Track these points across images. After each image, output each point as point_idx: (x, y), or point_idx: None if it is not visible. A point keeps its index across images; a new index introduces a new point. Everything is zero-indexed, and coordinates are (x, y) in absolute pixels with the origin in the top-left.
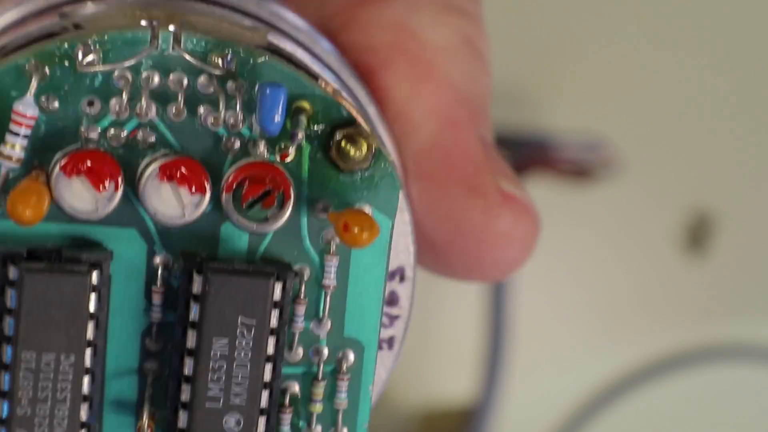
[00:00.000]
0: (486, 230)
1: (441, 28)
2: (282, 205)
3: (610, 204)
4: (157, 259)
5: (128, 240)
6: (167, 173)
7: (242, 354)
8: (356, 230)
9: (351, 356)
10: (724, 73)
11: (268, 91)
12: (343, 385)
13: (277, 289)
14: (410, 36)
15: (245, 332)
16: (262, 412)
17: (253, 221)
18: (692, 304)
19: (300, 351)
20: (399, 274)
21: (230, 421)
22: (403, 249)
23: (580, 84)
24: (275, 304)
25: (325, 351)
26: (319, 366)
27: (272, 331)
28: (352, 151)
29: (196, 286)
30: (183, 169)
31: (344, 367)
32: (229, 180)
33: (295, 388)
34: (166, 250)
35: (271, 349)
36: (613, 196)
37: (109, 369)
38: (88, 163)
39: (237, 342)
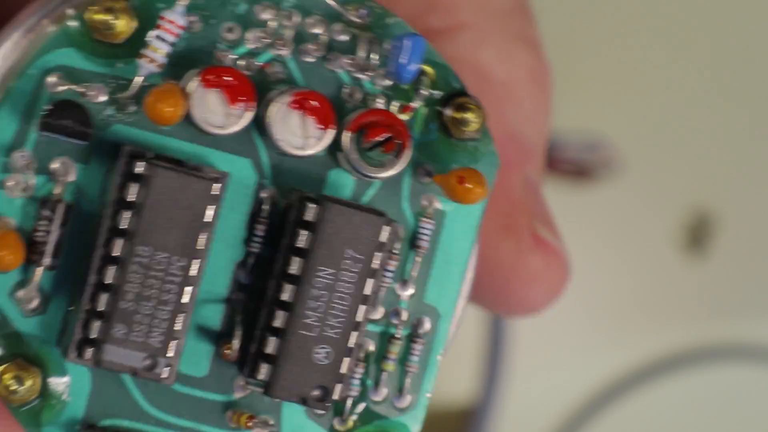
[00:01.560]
0: (514, 270)
1: (507, 64)
2: (398, 155)
3: (610, 204)
4: (266, 193)
5: (241, 168)
6: (299, 102)
7: (344, 288)
8: (470, 185)
9: (427, 323)
10: (724, 74)
11: (409, 40)
12: (417, 349)
13: (385, 231)
14: (475, 72)
15: (350, 266)
16: (349, 351)
17: (370, 164)
18: (692, 304)
19: (381, 310)
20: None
21: (320, 353)
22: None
23: (580, 84)
24: (381, 246)
25: (405, 314)
26: (398, 327)
27: (372, 273)
28: (471, 118)
29: (311, 214)
30: (314, 102)
31: (420, 332)
32: (355, 120)
33: (370, 345)
34: (275, 186)
35: (368, 290)
36: (613, 196)
37: (199, 293)
38: (228, 78)
39: (341, 274)
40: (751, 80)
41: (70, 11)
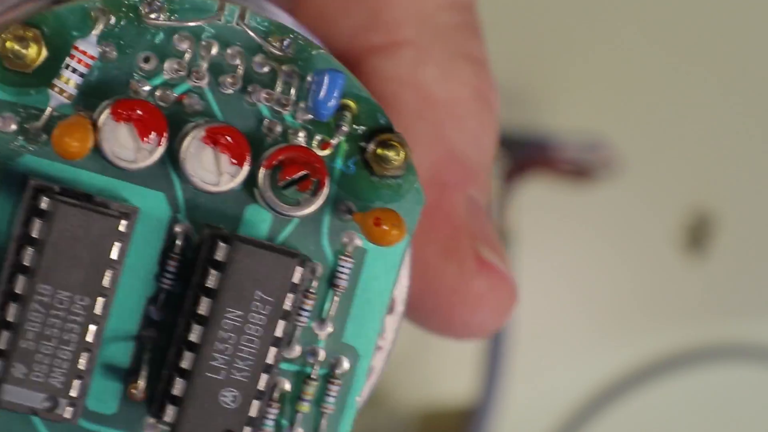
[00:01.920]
0: (458, 294)
1: (449, 83)
2: (315, 193)
3: (610, 204)
4: (180, 228)
5: (154, 203)
6: (212, 137)
7: (253, 330)
8: (387, 226)
9: (345, 363)
10: (723, 74)
11: (328, 75)
12: (333, 390)
13: (298, 272)
14: (415, 90)
15: (260, 308)
16: (258, 394)
17: (285, 202)
18: (692, 304)
19: (297, 349)
20: (389, 305)
21: (227, 396)
22: (399, 280)
23: (580, 84)
24: (294, 287)
25: (322, 353)
26: (314, 367)
27: (284, 315)
28: (392, 156)
29: (221, 254)
30: (228, 138)
31: (337, 373)
32: (270, 157)
33: (286, 385)
34: (189, 221)
35: (279, 332)
36: (613, 196)
37: (107, 330)
38: (139, 112)
39: (250, 316)
40: (751, 80)
41: None
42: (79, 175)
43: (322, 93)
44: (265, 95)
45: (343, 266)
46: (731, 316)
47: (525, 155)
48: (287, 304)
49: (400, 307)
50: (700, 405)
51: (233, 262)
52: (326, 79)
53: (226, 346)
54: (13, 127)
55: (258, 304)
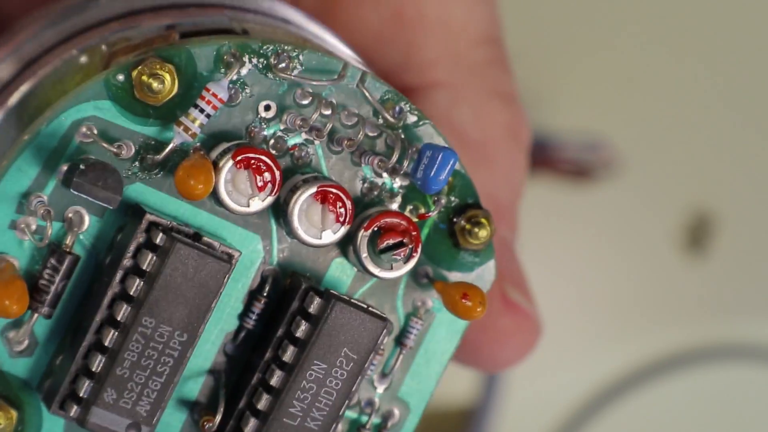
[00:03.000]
0: (484, 331)
1: (482, 123)
2: (407, 260)
3: (610, 204)
4: (268, 270)
5: (249, 245)
6: (323, 195)
7: (333, 383)
8: (471, 303)
9: (397, 416)
10: (724, 74)
11: (443, 154)
12: None
13: (384, 335)
14: (450, 131)
15: (344, 364)
16: None
17: (379, 265)
18: (692, 304)
19: (356, 397)
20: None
21: None
22: None
23: (581, 84)
24: (377, 348)
25: (377, 404)
26: (370, 416)
27: (363, 372)
28: (481, 233)
29: (314, 308)
30: (338, 197)
31: (389, 424)
32: (372, 221)
33: (340, 429)
34: (278, 265)
35: (355, 387)
36: (613, 196)
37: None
38: (261, 163)
39: (334, 370)
40: (751, 80)
41: (120, 60)
42: (183, 208)
43: (435, 170)
44: (373, 159)
45: (413, 327)
46: (731, 316)
47: None
48: (368, 363)
49: None
50: (700, 405)
51: (328, 318)
52: (440, 158)
53: (306, 395)
54: (131, 155)
55: (343, 360)
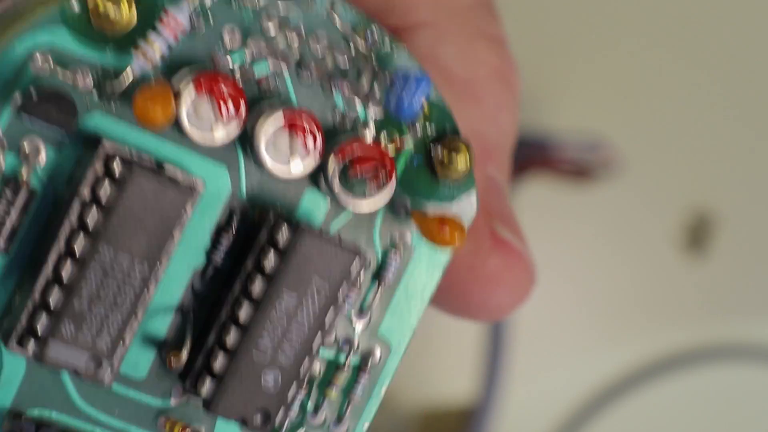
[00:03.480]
0: (472, 272)
1: (468, 62)
2: (381, 189)
3: (610, 204)
4: (237, 204)
5: (216, 176)
6: (291, 122)
7: (304, 314)
8: (450, 231)
9: (378, 355)
10: (723, 74)
11: (415, 79)
12: (363, 380)
13: (356, 267)
14: (433, 69)
15: (315, 295)
16: (299, 379)
17: (353, 194)
18: (692, 304)
19: (334, 335)
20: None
21: (269, 378)
22: None
23: (580, 84)
24: (348, 280)
25: (356, 343)
26: (348, 355)
27: (335, 304)
28: (461, 161)
29: (284, 237)
30: (306, 124)
31: (369, 364)
32: (344, 148)
33: (316, 369)
34: (248, 199)
35: (329, 320)
36: (613, 196)
37: (152, 298)
38: (223, 87)
39: (304, 301)
40: (750, 80)
41: None
42: (146, 139)
43: (408, 96)
44: (348, 86)
45: (391, 262)
46: (731, 316)
47: (525, 155)
48: (340, 295)
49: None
50: (700, 405)
51: (296, 248)
52: (413, 83)
53: (276, 328)
54: (89, 85)
55: (314, 291)
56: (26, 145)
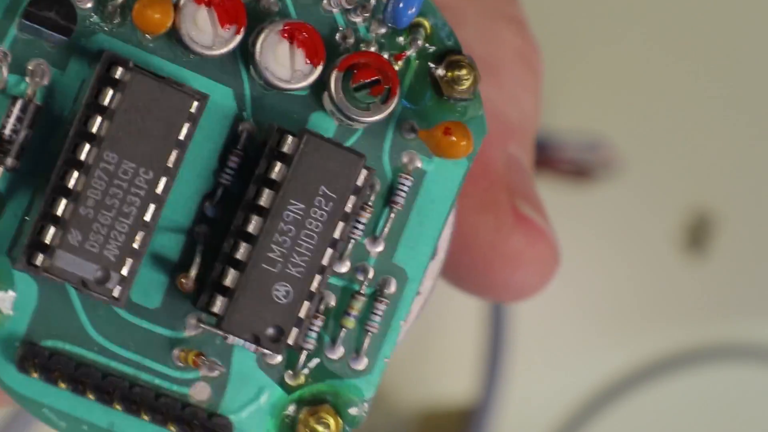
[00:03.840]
0: (494, 249)
1: (488, 42)
2: (386, 100)
3: (610, 204)
4: (244, 125)
5: (221, 96)
6: (289, 32)
7: (313, 225)
8: (455, 137)
9: (393, 285)
10: (723, 74)
11: None
12: (380, 309)
13: (363, 174)
14: None
15: (322, 204)
16: (310, 295)
17: (356, 106)
18: (692, 305)
19: (347, 264)
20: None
21: (280, 290)
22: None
23: (580, 84)
24: (356, 189)
25: (371, 271)
26: (362, 284)
27: (345, 216)
28: (464, 76)
29: (288, 146)
30: (305, 34)
31: (385, 293)
32: (345, 60)
33: (331, 300)
34: (255, 120)
35: (338, 234)
36: (613, 196)
37: (160, 219)
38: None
39: (312, 211)
40: (750, 80)
41: None
42: (150, 59)
43: (402, 2)
44: (343, 2)
45: (402, 184)
46: (731, 316)
47: None
48: (348, 206)
49: (441, 254)
50: (700, 405)
51: (301, 154)
52: None
53: (285, 238)
54: (90, 4)
55: (321, 199)
56: (32, 67)
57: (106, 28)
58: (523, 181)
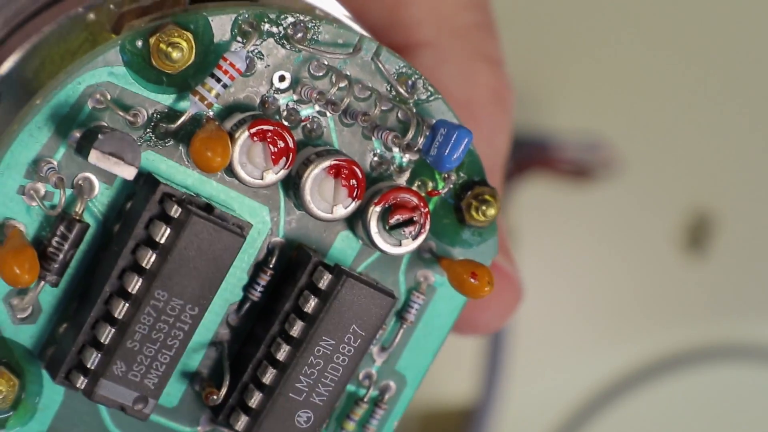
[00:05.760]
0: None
1: (467, 84)
2: (416, 236)
3: (610, 204)
4: (274, 241)
5: (257, 216)
6: (336, 170)
7: (340, 359)
8: (479, 282)
9: (393, 389)
10: (723, 74)
11: (458, 132)
12: (379, 413)
13: (392, 311)
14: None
15: (351, 341)
16: (329, 416)
17: (389, 240)
18: (692, 304)
19: (356, 372)
20: None
21: (302, 416)
22: None
23: (580, 84)
24: (384, 323)
25: (375, 377)
26: (368, 389)
27: (368, 347)
28: (488, 211)
29: (324, 283)
30: (351, 172)
31: (386, 397)
32: (384, 196)
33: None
34: (284, 237)
35: (360, 363)
36: (613, 196)
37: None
38: (276, 135)
39: (341, 347)
40: (750, 80)
41: (133, 24)
42: (192, 177)
43: (449, 149)
44: (387, 135)
45: (414, 302)
46: (731, 316)
47: (525, 155)
48: (375, 338)
49: None
50: (700, 405)
51: (337, 294)
52: (456, 136)
53: (313, 371)
54: (143, 122)
55: (351, 336)
56: (81, 182)
57: (154, 145)
58: None
